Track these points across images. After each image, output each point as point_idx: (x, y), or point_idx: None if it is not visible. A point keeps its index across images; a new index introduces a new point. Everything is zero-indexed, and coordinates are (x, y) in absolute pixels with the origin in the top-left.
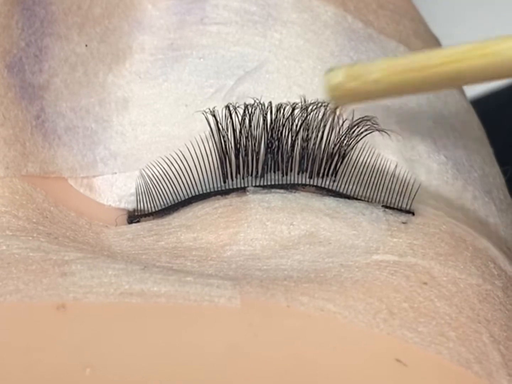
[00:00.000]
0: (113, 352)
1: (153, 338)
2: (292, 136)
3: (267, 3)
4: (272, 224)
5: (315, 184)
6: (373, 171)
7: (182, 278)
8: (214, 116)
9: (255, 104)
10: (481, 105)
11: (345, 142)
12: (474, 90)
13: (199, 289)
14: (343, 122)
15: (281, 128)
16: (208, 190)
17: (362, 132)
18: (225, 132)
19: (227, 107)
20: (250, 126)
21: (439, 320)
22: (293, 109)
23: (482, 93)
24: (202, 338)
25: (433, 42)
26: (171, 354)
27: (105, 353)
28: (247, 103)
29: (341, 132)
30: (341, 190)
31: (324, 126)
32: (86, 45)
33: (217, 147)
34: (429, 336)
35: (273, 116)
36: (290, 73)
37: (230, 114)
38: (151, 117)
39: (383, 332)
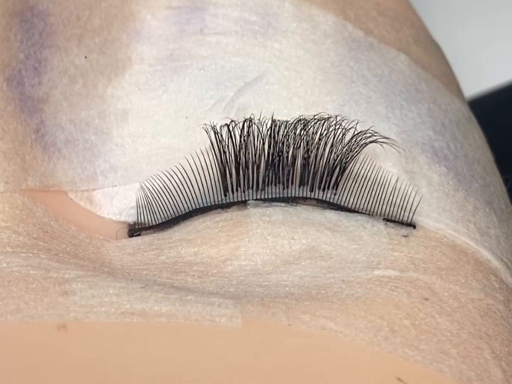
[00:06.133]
0: (114, 373)
1: (154, 359)
2: (293, 150)
3: (267, 12)
4: (273, 238)
5: (316, 197)
6: (374, 184)
7: (183, 297)
8: (214, 131)
9: (255, 120)
10: (480, 105)
11: (346, 154)
12: (473, 90)
13: (200, 308)
14: (344, 135)
15: (281, 144)
16: (209, 204)
17: (362, 145)
18: (226, 145)
19: (227, 125)
20: (248, 137)
21: (440, 337)
22: (295, 124)
23: (481, 93)
24: (203, 359)
25: (434, 49)
26: (172, 375)
27: (106, 374)
28: (247, 116)
29: (342, 144)
30: (342, 203)
31: (326, 142)
32: (86, 57)
33: (217, 160)
34: (430, 354)
35: (274, 130)
36: (290, 84)
37: (230, 128)
38: (151, 129)
39: (385, 350)
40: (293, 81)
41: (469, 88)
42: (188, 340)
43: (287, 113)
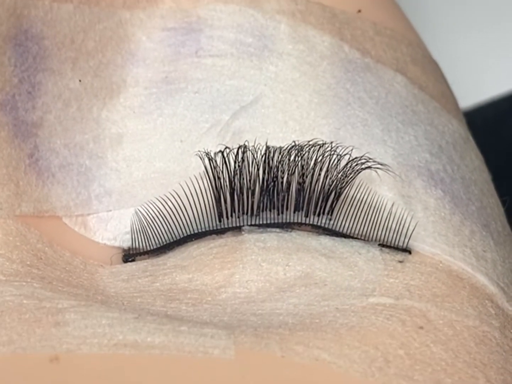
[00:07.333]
0: None
1: None
2: (287, 176)
3: (263, 34)
4: (267, 265)
5: (311, 222)
6: (369, 209)
7: (176, 328)
8: (208, 157)
9: (250, 146)
10: (480, 114)
11: (341, 180)
12: (473, 100)
13: (193, 340)
14: (339, 160)
15: (276, 170)
16: (204, 229)
17: (357, 170)
18: (220, 170)
19: (221, 151)
20: (243, 163)
21: (435, 366)
22: (289, 150)
23: (481, 102)
24: None
25: (432, 67)
26: None
27: None
28: (242, 141)
29: (337, 170)
30: (337, 228)
31: (321, 168)
32: (80, 80)
33: (212, 186)
34: None
35: (269, 156)
36: (286, 107)
37: (224, 155)
38: (146, 153)
39: (378, 381)
40: (289, 104)
41: (469, 97)
42: (180, 373)
43: (283, 137)
